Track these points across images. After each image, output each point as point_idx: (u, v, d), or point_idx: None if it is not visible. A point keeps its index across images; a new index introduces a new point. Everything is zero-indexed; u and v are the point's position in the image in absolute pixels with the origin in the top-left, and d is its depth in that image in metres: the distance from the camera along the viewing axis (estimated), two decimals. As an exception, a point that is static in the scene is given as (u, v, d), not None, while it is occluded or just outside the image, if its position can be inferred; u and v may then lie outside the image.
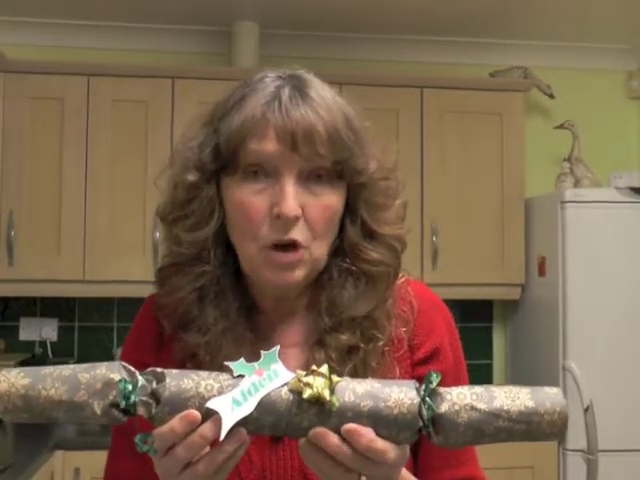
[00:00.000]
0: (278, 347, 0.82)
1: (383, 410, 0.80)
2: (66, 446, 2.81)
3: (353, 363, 0.97)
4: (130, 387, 0.79)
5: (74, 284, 3.20)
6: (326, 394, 0.78)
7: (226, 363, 0.81)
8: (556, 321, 3.18)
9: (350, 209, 0.99)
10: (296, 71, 1.00)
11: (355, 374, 0.93)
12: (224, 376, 0.80)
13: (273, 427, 0.80)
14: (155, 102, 3.25)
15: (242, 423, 0.78)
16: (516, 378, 3.64)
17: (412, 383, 0.82)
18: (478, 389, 0.82)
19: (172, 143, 3.15)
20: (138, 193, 3.17)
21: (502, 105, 3.47)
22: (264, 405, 0.78)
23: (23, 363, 3.11)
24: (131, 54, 3.56)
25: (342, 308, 0.99)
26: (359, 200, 0.99)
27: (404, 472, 0.88)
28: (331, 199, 0.96)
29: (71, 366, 0.82)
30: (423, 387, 0.81)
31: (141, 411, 0.80)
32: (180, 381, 0.80)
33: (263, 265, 0.95)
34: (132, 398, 0.79)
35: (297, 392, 0.79)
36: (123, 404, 0.79)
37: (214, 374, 0.81)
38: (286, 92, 0.94)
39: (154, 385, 0.80)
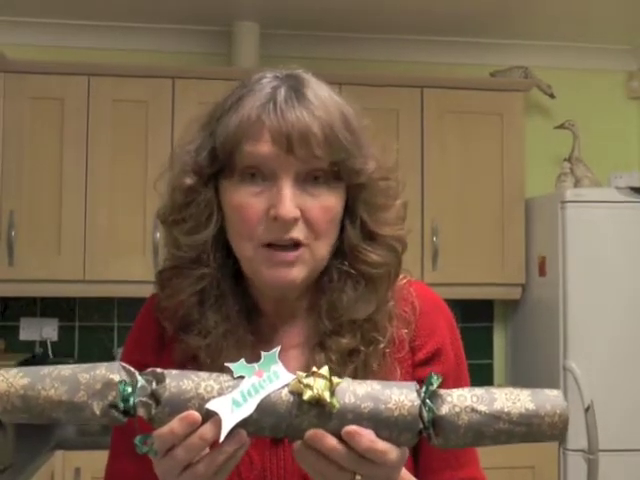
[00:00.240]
0: (278, 348, 0.82)
1: (383, 412, 0.79)
2: (66, 446, 2.81)
3: (354, 365, 0.97)
4: (130, 389, 0.79)
5: (74, 284, 3.20)
6: (326, 396, 0.78)
7: (226, 364, 0.81)
8: (556, 321, 3.18)
9: (350, 210, 0.99)
10: (294, 71, 1.00)
11: (356, 376, 0.93)
12: (224, 377, 0.80)
13: (273, 428, 0.80)
14: (155, 102, 3.25)
15: (242, 424, 0.78)
16: (516, 378, 3.64)
17: (413, 385, 0.82)
18: (478, 391, 0.82)
19: (172, 143, 3.15)
20: (138, 193, 3.17)
21: (502, 105, 3.47)
22: (264, 406, 0.78)
23: (23, 363, 3.11)
24: (131, 54, 3.56)
25: (342, 311, 0.98)
26: (358, 201, 0.98)
27: (404, 472, 0.88)
28: (329, 200, 0.95)
29: (70, 366, 0.81)
30: (424, 389, 0.81)
31: (141, 412, 0.80)
32: (180, 382, 0.79)
33: (261, 264, 0.95)
34: (132, 399, 0.79)
35: (297, 393, 0.79)
36: (122, 406, 0.79)
37: (214, 375, 0.80)
38: (282, 93, 0.94)
39: (154, 386, 0.80)
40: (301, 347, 1.02)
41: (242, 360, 0.81)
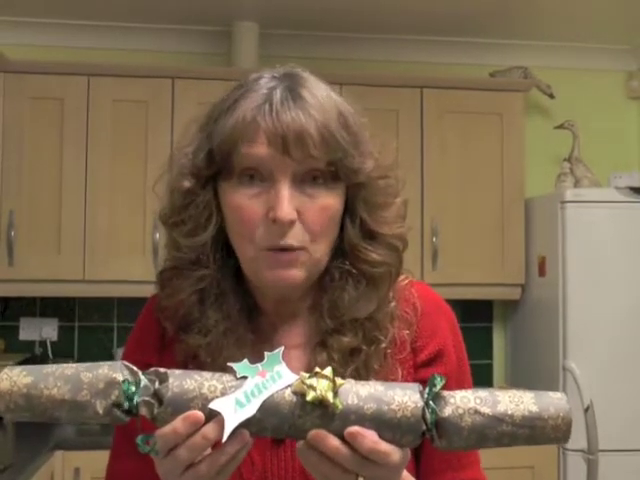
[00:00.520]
0: (282, 348, 0.82)
1: (387, 413, 0.79)
2: (66, 446, 2.81)
3: (355, 365, 0.97)
4: (133, 388, 0.79)
5: (74, 284, 3.20)
6: (329, 396, 0.78)
7: (229, 364, 0.80)
8: (556, 321, 3.18)
9: (349, 209, 0.99)
10: (292, 70, 1.00)
11: (357, 376, 0.93)
12: (227, 377, 0.80)
13: (276, 429, 0.80)
14: (155, 102, 3.25)
15: (245, 425, 0.77)
16: (516, 378, 3.64)
17: (416, 386, 0.82)
18: (482, 393, 0.81)
19: (172, 143, 3.14)
20: (138, 193, 3.17)
21: (502, 105, 3.47)
22: (267, 407, 0.78)
23: (23, 363, 3.11)
24: (131, 54, 3.56)
25: (343, 310, 0.98)
26: (358, 200, 0.98)
27: (405, 474, 0.88)
28: (328, 200, 0.95)
29: (73, 365, 0.81)
30: (427, 390, 0.81)
31: (143, 411, 0.79)
32: (183, 381, 0.79)
33: (262, 266, 0.95)
34: (135, 399, 0.79)
35: (300, 394, 0.78)
36: (126, 405, 0.79)
37: (217, 375, 0.80)
38: (278, 94, 0.93)
39: (157, 385, 0.80)
40: (302, 347, 1.02)
41: (245, 360, 0.81)
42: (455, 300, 3.30)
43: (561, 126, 3.64)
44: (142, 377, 0.81)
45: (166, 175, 1.01)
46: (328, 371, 0.80)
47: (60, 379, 0.79)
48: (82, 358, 3.40)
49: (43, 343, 3.46)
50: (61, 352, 3.44)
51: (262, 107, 0.93)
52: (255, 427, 0.79)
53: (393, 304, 1.02)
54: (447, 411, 0.80)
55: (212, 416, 0.77)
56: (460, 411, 0.80)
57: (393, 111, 3.35)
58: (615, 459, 3.05)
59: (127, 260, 3.18)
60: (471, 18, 3.47)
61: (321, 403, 0.78)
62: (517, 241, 3.45)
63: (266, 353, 0.81)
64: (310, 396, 0.78)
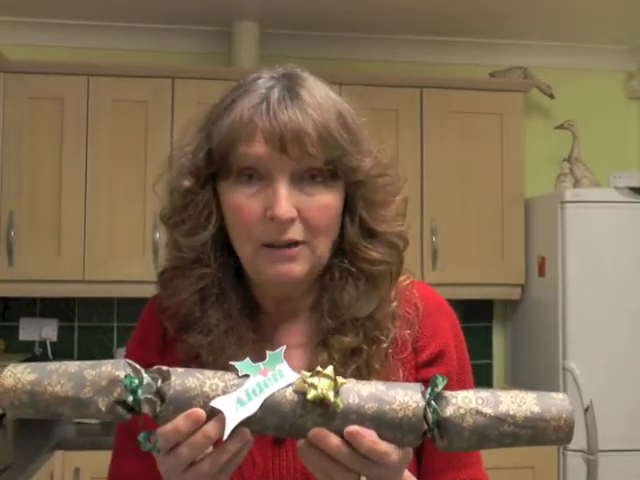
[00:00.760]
0: (284, 347, 0.82)
1: (388, 413, 0.79)
2: (66, 446, 2.81)
3: (356, 365, 0.97)
4: (135, 383, 0.79)
5: (74, 284, 3.20)
6: (330, 395, 0.78)
7: (231, 363, 0.81)
8: (556, 321, 3.18)
9: (349, 207, 0.99)
10: (291, 69, 1.00)
11: (358, 376, 0.93)
12: (229, 375, 0.80)
13: (277, 427, 0.80)
14: (155, 102, 3.25)
15: (246, 423, 0.78)
16: (516, 378, 3.64)
17: (417, 386, 0.82)
18: (484, 393, 0.81)
19: (172, 143, 3.14)
20: (138, 193, 3.17)
21: (502, 105, 3.47)
22: (268, 405, 0.78)
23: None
24: (131, 54, 3.56)
25: (344, 310, 0.98)
26: (357, 198, 0.98)
27: (406, 474, 0.88)
28: (326, 199, 0.95)
29: (77, 363, 0.82)
30: (429, 390, 0.81)
31: (146, 409, 0.80)
32: (185, 380, 0.79)
33: (262, 263, 0.95)
34: (136, 395, 0.79)
35: (302, 393, 0.79)
36: (128, 400, 0.79)
37: (219, 373, 0.81)
38: (275, 93, 0.94)
39: (159, 383, 0.80)
40: (303, 347, 1.02)
41: (247, 359, 0.81)
42: (455, 300, 3.28)
43: (561, 126, 3.64)
44: (145, 375, 0.81)
45: (166, 175, 1.01)
46: (329, 370, 0.80)
47: (63, 376, 0.80)
48: (82, 358, 3.38)
49: (43, 343, 3.46)
50: (61, 352, 3.44)
51: (259, 106, 0.93)
52: (256, 425, 0.79)
53: (395, 304, 1.02)
54: (449, 411, 0.80)
55: (214, 414, 0.77)
56: (462, 411, 0.80)
57: (393, 111, 3.35)
58: (615, 459, 3.05)
59: (127, 260, 3.18)
60: (471, 18, 3.47)
61: (322, 402, 0.78)
62: (517, 241, 3.45)
63: (268, 352, 0.82)
64: (311, 395, 0.78)
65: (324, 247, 0.97)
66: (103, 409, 0.79)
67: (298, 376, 0.80)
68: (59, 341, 3.47)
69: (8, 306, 3.47)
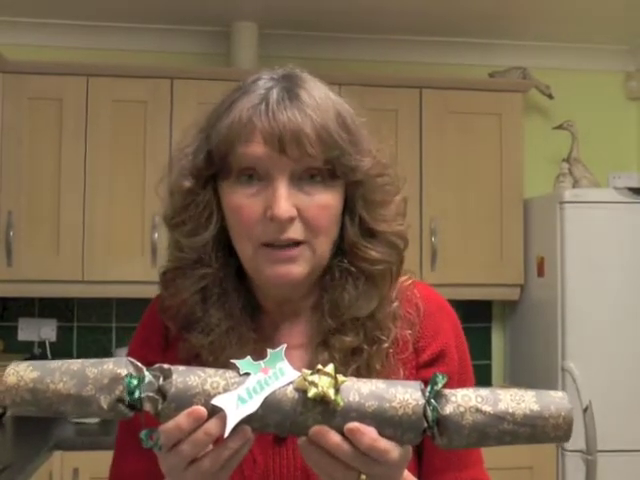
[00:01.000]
0: (285, 346, 0.83)
1: (388, 411, 0.80)
2: (65, 446, 2.80)
3: (357, 365, 0.97)
4: (136, 382, 0.80)
5: (73, 284, 3.20)
6: (331, 393, 0.78)
7: (232, 361, 0.81)
8: (555, 321, 3.18)
9: (349, 207, 0.99)
10: (291, 70, 1.00)
11: (359, 376, 0.93)
12: (230, 373, 0.81)
13: (278, 425, 0.80)
14: (154, 102, 3.25)
15: (247, 421, 0.78)
16: (515, 378, 3.64)
17: (417, 384, 0.82)
18: (483, 392, 0.82)
19: (171, 143, 3.15)
20: (137, 193, 3.17)
21: (501, 105, 3.47)
22: (269, 403, 0.79)
23: (22, 363, 3.11)
24: (130, 54, 3.56)
25: (344, 309, 0.99)
26: (357, 198, 0.99)
27: (406, 474, 0.88)
28: (326, 198, 0.95)
29: (79, 360, 0.82)
30: (428, 388, 0.81)
31: (147, 407, 0.80)
32: (186, 378, 0.80)
33: (262, 263, 0.96)
34: (137, 393, 0.80)
35: (302, 391, 0.79)
36: (129, 398, 0.79)
37: (221, 371, 0.81)
38: (274, 94, 0.94)
39: (161, 381, 0.81)
40: (304, 347, 1.02)
41: (248, 357, 0.81)
42: (454, 300, 3.28)
43: (560, 126, 3.64)
44: (146, 373, 0.81)
45: (167, 177, 1.02)
46: (330, 368, 0.80)
47: (66, 374, 0.80)
48: (81, 358, 3.39)
49: (42, 344, 3.46)
50: (60, 353, 3.44)
51: (258, 107, 0.94)
52: (257, 423, 0.79)
53: (396, 304, 1.02)
54: (448, 409, 0.80)
55: (215, 412, 0.78)
56: (461, 409, 0.80)
57: (392, 111, 3.35)
58: (613, 459, 3.05)
59: (126, 261, 3.18)
60: (470, 18, 3.47)
61: (322, 400, 0.79)
62: (516, 241, 3.45)
63: (269, 350, 0.82)
64: (311, 392, 0.78)
65: (324, 247, 0.97)
66: (105, 407, 0.79)
67: (299, 374, 0.80)
68: (58, 341, 3.47)
69: (7, 306, 3.47)
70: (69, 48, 3.52)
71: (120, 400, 0.80)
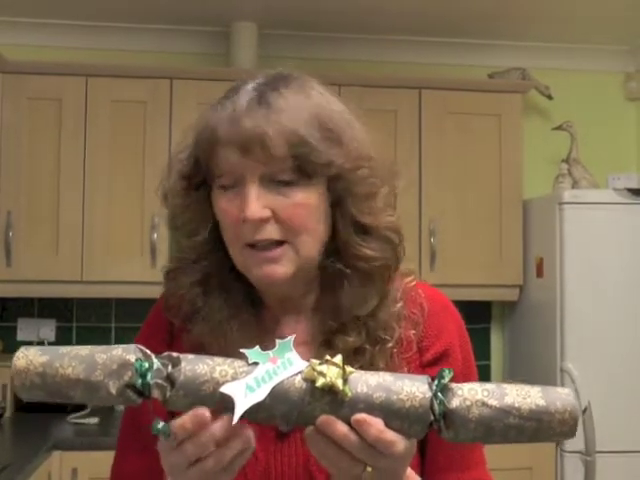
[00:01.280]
0: (294, 336, 0.83)
1: (395, 403, 0.80)
2: (64, 446, 2.80)
3: (360, 364, 0.97)
4: (146, 367, 0.80)
5: (72, 285, 3.20)
6: (339, 383, 0.79)
7: (241, 350, 0.81)
8: (554, 322, 3.19)
9: (338, 205, 0.99)
10: (279, 73, 1.02)
11: None
12: (239, 362, 0.81)
13: (285, 415, 0.80)
14: (153, 102, 3.25)
15: (254, 410, 0.78)
16: (514, 379, 3.64)
17: (425, 378, 0.83)
18: (489, 386, 0.82)
19: (170, 144, 3.15)
20: (136, 194, 3.17)
21: (500, 106, 3.48)
22: (277, 393, 0.79)
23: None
24: (129, 54, 3.56)
25: (344, 309, 0.99)
26: (342, 194, 0.99)
27: (409, 471, 0.89)
28: (302, 197, 0.96)
29: (88, 347, 0.83)
30: (435, 382, 0.82)
31: (156, 394, 0.81)
32: (195, 366, 0.80)
33: (249, 264, 0.98)
34: (146, 379, 0.80)
35: (310, 381, 0.79)
36: (140, 381, 0.80)
37: (229, 360, 0.81)
38: (245, 102, 0.96)
39: (169, 369, 0.81)
40: (307, 344, 1.02)
41: (257, 347, 0.82)
42: (453, 301, 3.30)
43: (559, 127, 3.64)
44: (155, 360, 0.82)
45: (166, 180, 1.05)
46: (338, 359, 0.81)
47: (75, 359, 0.81)
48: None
49: (41, 344, 3.45)
50: (59, 353, 3.44)
51: (227, 114, 0.96)
52: (264, 413, 0.80)
53: (400, 304, 1.03)
54: (455, 402, 0.81)
55: (223, 400, 0.78)
56: (467, 403, 0.81)
57: (391, 112, 3.35)
58: (612, 460, 3.06)
59: (125, 261, 3.18)
60: (469, 19, 3.47)
61: (330, 390, 0.79)
62: (515, 242, 3.45)
63: (277, 340, 0.82)
64: (320, 382, 0.79)
65: (309, 246, 0.98)
66: (114, 392, 0.80)
67: (307, 364, 0.81)
68: (57, 341, 3.47)
69: (6, 306, 3.47)
70: (69, 48, 3.52)
71: (128, 386, 0.80)
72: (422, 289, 1.08)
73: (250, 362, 0.81)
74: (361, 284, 1.00)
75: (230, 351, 0.84)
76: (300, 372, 0.80)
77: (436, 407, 0.81)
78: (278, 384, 0.79)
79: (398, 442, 0.80)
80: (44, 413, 3.10)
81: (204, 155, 0.98)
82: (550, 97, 3.70)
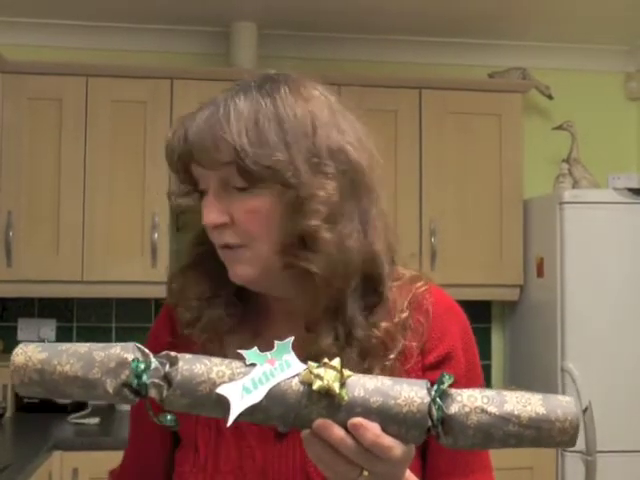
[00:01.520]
0: (292, 338, 0.83)
1: (393, 407, 0.79)
2: (64, 446, 2.80)
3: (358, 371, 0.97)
4: (142, 366, 0.80)
5: (72, 285, 3.20)
6: (336, 387, 0.78)
7: (239, 351, 0.81)
8: (554, 322, 3.18)
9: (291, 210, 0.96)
10: (260, 77, 1.01)
11: None
12: (236, 363, 0.81)
13: (281, 417, 0.80)
14: (154, 103, 3.25)
15: (251, 411, 0.78)
16: (515, 379, 3.64)
17: (424, 382, 0.82)
18: (489, 392, 0.81)
19: (170, 144, 3.14)
20: (137, 194, 3.17)
21: (501, 106, 3.48)
22: (274, 394, 0.79)
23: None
24: (130, 54, 3.56)
25: (316, 310, 0.98)
26: (289, 200, 0.95)
27: (408, 474, 0.88)
28: (254, 202, 0.95)
29: (87, 344, 0.83)
30: (434, 387, 0.81)
31: (153, 393, 0.81)
32: (193, 366, 0.80)
33: (226, 264, 1.00)
34: (143, 378, 0.80)
35: (308, 383, 0.79)
36: (135, 382, 0.80)
37: (227, 361, 0.81)
38: (205, 112, 0.97)
39: (167, 368, 0.81)
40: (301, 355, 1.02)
41: (255, 348, 0.82)
42: (453, 301, 3.29)
43: (559, 127, 3.64)
44: (153, 359, 0.82)
45: (168, 184, 1.09)
46: (336, 362, 0.80)
47: (73, 356, 0.81)
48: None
49: (41, 344, 3.46)
50: (59, 353, 3.44)
51: (182, 127, 0.98)
52: (261, 414, 0.79)
53: (405, 314, 1.01)
54: (453, 408, 0.80)
55: (219, 401, 0.78)
56: (466, 409, 0.80)
57: (392, 112, 3.35)
58: (613, 460, 3.05)
59: (125, 261, 3.18)
60: (470, 19, 3.47)
61: (327, 393, 0.79)
62: (515, 242, 3.45)
63: (276, 342, 0.82)
64: (317, 385, 0.78)
65: (268, 250, 0.96)
66: (110, 391, 0.80)
67: (305, 367, 0.80)
68: (57, 341, 3.44)
69: (6, 306, 3.47)
70: (69, 48, 3.52)
71: (126, 385, 0.80)
72: (430, 293, 1.05)
73: (248, 363, 0.80)
74: (315, 288, 0.96)
75: (225, 349, 0.85)
76: (298, 374, 0.80)
77: (434, 413, 0.80)
78: (275, 386, 0.79)
79: (395, 447, 0.79)
80: (45, 413, 3.10)
81: (175, 171, 1.01)
82: (550, 97, 3.70)
